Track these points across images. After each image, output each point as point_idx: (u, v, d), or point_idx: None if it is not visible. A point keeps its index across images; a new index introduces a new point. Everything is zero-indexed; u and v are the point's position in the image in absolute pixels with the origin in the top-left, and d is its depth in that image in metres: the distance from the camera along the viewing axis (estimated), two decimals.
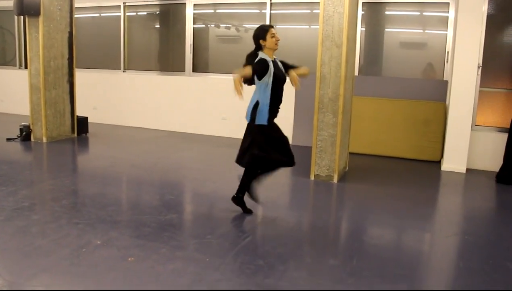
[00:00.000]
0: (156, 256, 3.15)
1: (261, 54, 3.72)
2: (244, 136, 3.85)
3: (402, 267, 3.12)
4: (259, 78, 3.65)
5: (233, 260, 3.13)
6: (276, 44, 3.73)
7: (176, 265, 3.01)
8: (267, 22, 7.61)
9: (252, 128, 3.77)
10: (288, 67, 3.88)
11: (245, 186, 3.95)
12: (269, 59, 3.69)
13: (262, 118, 3.69)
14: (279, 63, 3.84)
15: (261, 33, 3.73)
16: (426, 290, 2.90)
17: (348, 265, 3.14)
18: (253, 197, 4.04)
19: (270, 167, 3.93)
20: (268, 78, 3.64)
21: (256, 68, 3.61)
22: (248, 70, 3.55)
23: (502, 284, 2.91)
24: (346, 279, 2.91)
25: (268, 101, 3.68)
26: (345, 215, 4.33)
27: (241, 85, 3.46)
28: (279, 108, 3.82)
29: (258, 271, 2.98)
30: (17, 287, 2.68)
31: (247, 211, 4.02)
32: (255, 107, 3.71)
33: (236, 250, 3.28)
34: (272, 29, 3.74)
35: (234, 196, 4.02)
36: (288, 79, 3.85)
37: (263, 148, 3.73)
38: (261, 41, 3.72)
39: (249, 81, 3.67)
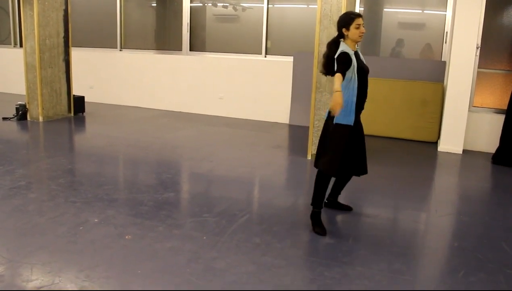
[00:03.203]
0: (153, 234, 3.17)
1: (342, 46, 3.29)
2: (321, 135, 3.42)
3: (398, 246, 3.15)
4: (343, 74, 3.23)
5: (230, 238, 3.15)
6: (360, 36, 3.29)
7: (173, 243, 3.04)
8: (265, 2, 7.52)
9: (329, 126, 3.35)
10: None
11: (318, 196, 3.38)
12: (351, 51, 3.26)
13: (345, 118, 3.27)
14: (361, 54, 3.46)
15: (346, 21, 3.30)
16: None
17: (344, 244, 3.17)
18: (316, 222, 3.39)
19: (343, 174, 3.60)
20: (352, 73, 3.25)
21: (339, 65, 3.21)
22: (339, 81, 3.10)
23: (497, 264, 2.95)
24: (342, 258, 2.94)
25: (354, 98, 3.30)
26: (341, 195, 4.35)
27: (341, 102, 3.02)
28: (364, 103, 3.47)
29: (255, 249, 3.01)
30: (14, 264, 2.70)
31: (319, 231, 3.32)
32: None
33: (233, 228, 3.31)
34: (359, 19, 3.28)
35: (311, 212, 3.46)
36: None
37: (339, 152, 3.31)
38: (343, 30, 3.30)
39: (327, 71, 3.37)
